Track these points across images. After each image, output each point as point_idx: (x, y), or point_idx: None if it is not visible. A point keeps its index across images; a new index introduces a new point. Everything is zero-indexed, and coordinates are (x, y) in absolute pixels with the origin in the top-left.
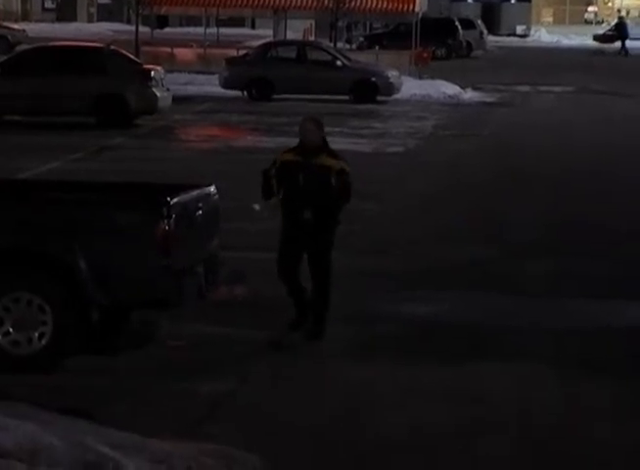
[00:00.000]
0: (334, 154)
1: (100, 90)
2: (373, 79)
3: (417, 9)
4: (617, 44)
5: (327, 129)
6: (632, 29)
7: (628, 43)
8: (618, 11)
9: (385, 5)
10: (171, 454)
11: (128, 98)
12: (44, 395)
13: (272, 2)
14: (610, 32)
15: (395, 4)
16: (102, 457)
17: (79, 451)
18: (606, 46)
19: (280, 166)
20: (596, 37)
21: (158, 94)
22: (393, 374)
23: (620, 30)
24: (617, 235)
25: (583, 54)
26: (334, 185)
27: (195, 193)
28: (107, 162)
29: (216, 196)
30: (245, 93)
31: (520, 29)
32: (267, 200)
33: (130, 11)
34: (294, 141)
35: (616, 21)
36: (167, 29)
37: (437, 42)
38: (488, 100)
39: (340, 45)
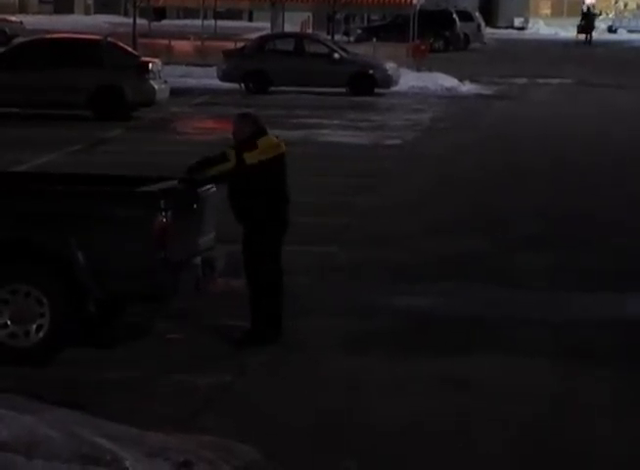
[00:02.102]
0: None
1: (97, 83)
2: (371, 72)
3: (415, 1)
4: (605, 35)
5: (325, 122)
6: (631, 22)
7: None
8: (615, 3)
9: None
10: (169, 447)
11: (126, 90)
12: (41, 387)
13: None
14: (581, 23)
15: None
16: (99, 450)
17: (77, 444)
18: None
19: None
20: (578, 28)
21: (155, 86)
22: (390, 367)
23: (587, 22)
24: (615, 228)
25: (582, 46)
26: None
27: (191, 186)
28: (104, 154)
29: (214, 188)
30: (242, 86)
31: (518, 22)
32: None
33: (128, 3)
34: (290, 133)
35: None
36: (165, 22)
37: (435, 34)
38: (486, 92)
39: (337, 38)
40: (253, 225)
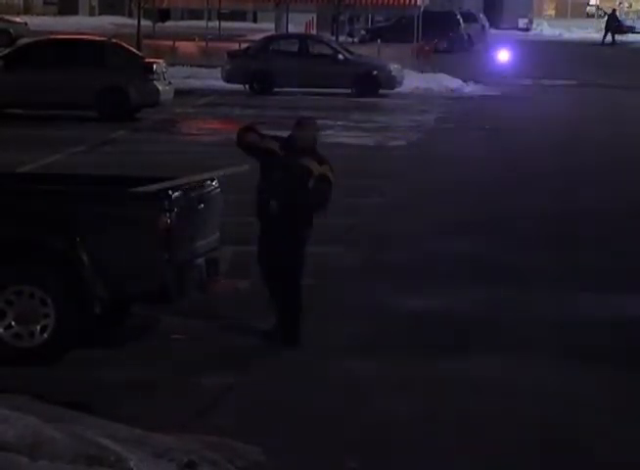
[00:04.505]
0: (320, 158)
1: (101, 83)
2: (375, 73)
3: (419, 2)
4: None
5: (329, 123)
6: (635, 23)
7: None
8: (620, 4)
9: None
10: (173, 448)
11: (130, 91)
12: (45, 387)
13: None
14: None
15: None
16: (103, 451)
17: (81, 445)
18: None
19: (263, 151)
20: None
21: (159, 87)
22: (393, 367)
23: (609, 22)
24: (616, 229)
25: (587, 47)
26: (311, 188)
27: (196, 186)
28: (108, 155)
29: (218, 189)
30: (246, 87)
31: (522, 23)
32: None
33: (132, 4)
34: None
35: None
36: (169, 23)
37: (439, 36)
38: (490, 93)
39: (341, 39)
40: (304, 232)
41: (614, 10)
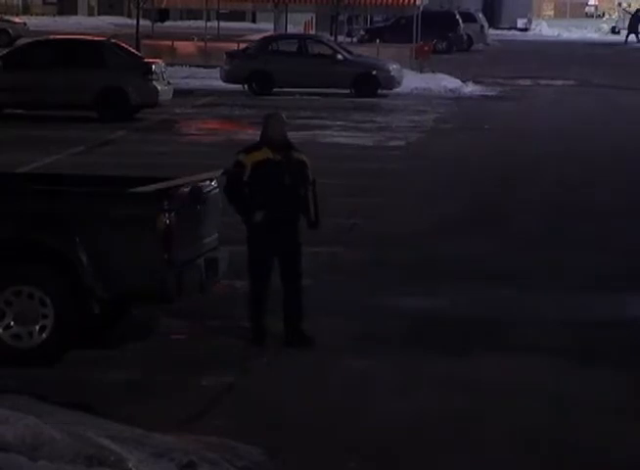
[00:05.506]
0: (297, 148)
1: (101, 83)
2: (374, 73)
3: (418, 2)
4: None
5: (328, 123)
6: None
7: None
8: (619, 4)
9: None
10: (173, 448)
11: (129, 91)
12: (45, 388)
13: None
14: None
15: None
16: (103, 450)
17: (81, 445)
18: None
19: (254, 169)
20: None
21: (158, 87)
22: (394, 367)
23: (633, 21)
24: (615, 229)
25: (586, 47)
26: (310, 179)
27: (196, 186)
28: (108, 155)
29: (217, 189)
30: (245, 87)
31: (521, 23)
32: (246, 214)
33: (131, 4)
34: (294, 134)
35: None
36: (168, 23)
37: (438, 36)
38: (489, 93)
39: (340, 39)
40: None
41: (638, 10)
